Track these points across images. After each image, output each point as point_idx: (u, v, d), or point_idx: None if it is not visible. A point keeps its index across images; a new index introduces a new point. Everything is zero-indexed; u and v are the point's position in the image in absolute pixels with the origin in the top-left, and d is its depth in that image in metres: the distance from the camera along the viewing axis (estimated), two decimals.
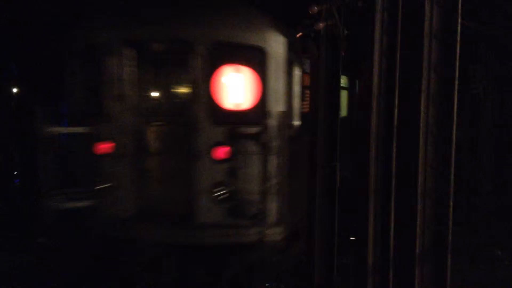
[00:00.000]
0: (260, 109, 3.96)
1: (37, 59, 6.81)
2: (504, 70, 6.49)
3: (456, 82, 3.37)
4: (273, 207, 4.06)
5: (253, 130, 3.85)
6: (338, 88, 4.30)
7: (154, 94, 4.40)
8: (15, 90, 7.67)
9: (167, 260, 3.95)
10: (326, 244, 4.35)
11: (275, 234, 3.98)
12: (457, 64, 3.39)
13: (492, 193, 7.07)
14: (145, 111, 4.21)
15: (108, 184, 4.12)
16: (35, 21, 6.48)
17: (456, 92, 3.36)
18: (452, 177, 3.38)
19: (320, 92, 4.40)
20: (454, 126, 3.33)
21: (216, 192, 3.40)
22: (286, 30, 4.12)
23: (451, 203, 3.35)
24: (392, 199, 3.84)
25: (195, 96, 3.59)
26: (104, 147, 4.14)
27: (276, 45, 3.98)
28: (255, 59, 3.97)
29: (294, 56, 4.11)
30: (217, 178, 3.49)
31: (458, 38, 3.32)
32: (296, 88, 4.40)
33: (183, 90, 4.03)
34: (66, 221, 4.15)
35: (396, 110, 3.81)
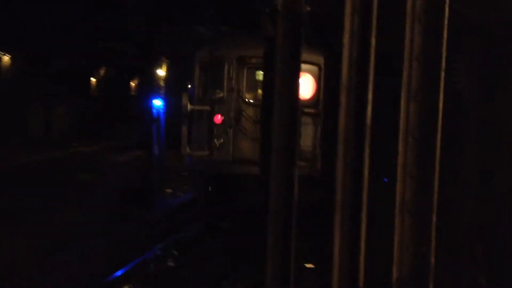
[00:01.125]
0: (313, 98, 8.89)
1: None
2: (493, 62, 6.76)
3: (443, 74, 3.46)
4: (317, 154, 8.69)
5: (309, 110, 8.61)
6: (297, 73, 4.35)
7: (252, 88, 9.38)
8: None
9: (252, 184, 8.63)
10: (280, 274, 4.35)
11: (318, 169, 8.51)
12: (444, 52, 3.49)
13: (476, 208, 7.33)
14: (245, 97, 9.17)
15: (220, 141, 8.98)
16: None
17: (442, 86, 3.45)
18: (436, 188, 3.46)
19: (275, 78, 4.40)
20: (439, 128, 3.41)
21: None
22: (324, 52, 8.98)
23: (434, 219, 3.42)
24: (364, 215, 3.88)
25: None
26: (219, 118, 9.04)
27: (323, 62, 8.90)
28: (313, 70, 8.95)
29: None
30: None
31: (446, 22, 3.41)
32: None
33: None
34: (195, 164, 9.28)
35: (369, 107, 3.86)
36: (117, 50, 20.71)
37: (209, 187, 9.69)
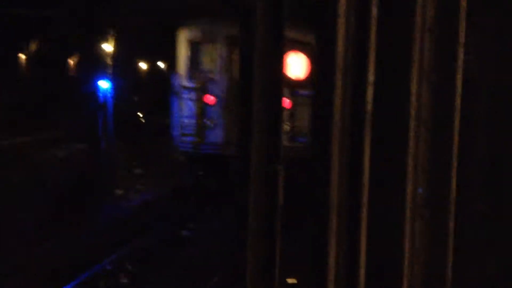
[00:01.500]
0: (309, 79, 8.96)
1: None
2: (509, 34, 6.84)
3: (461, 49, 3.45)
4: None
5: (305, 90, 9.14)
6: (281, 53, 4.33)
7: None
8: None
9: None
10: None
11: None
12: (463, 22, 3.48)
13: (486, 213, 7.46)
14: (235, 76, 9.71)
15: (213, 122, 10.00)
16: None
17: (460, 64, 3.44)
18: (454, 186, 3.47)
19: (255, 60, 4.37)
20: (458, 116, 3.41)
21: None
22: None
23: (452, 223, 3.43)
24: (364, 221, 3.87)
25: None
26: (211, 99, 10.24)
27: None
28: (308, 50, 9.35)
29: None
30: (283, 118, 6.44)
31: None
32: None
33: None
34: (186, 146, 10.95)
35: (370, 91, 3.84)
36: (51, 20, 20.31)
37: (199, 171, 11.43)
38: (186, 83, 10.68)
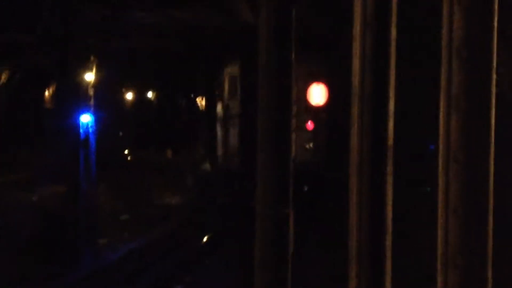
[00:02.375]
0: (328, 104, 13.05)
1: None
2: None
3: (494, 74, 3.47)
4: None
5: (323, 115, 12.94)
6: (289, 74, 4.39)
7: None
8: None
9: None
10: None
11: None
12: (494, 43, 3.51)
13: None
14: None
15: None
16: None
17: (493, 90, 3.46)
18: (491, 230, 3.46)
19: (259, 82, 4.42)
20: (492, 148, 3.41)
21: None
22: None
23: (490, 275, 3.41)
24: (388, 272, 3.87)
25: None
26: None
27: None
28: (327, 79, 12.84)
29: None
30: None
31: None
32: None
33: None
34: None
35: (391, 122, 3.88)
36: (23, 45, 20.38)
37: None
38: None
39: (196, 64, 27.87)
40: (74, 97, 17.85)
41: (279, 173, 4.44)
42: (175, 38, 21.06)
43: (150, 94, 39.23)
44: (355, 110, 3.97)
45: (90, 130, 17.75)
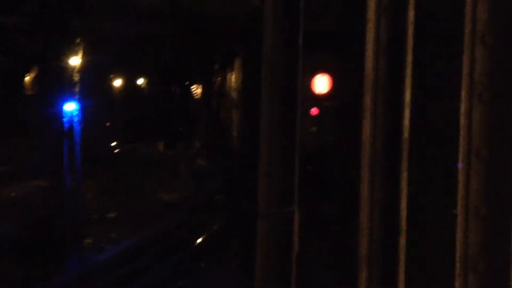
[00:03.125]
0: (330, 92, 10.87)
1: None
2: None
3: None
4: None
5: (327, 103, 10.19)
6: (297, 62, 4.41)
7: None
8: None
9: None
10: None
11: None
12: None
13: None
14: None
15: None
16: None
17: None
18: None
19: (263, 72, 4.44)
20: None
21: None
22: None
23: None
24: (401, 276, 3.91)
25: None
26: None
27: None
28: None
29: None
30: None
31: None
32: None
33: None
34: None
35: (407, 113, 3.91)
36: (4, 26, 20.45)
37: None
38: None
39: (193, 49, 27.85)
40: (58, 83, 17.86)
41: (283, 167, 4.48)
42: (172, 21, 21.08)
43: (140, 81, 39.21)
44: (367, 100, 3.99)
45: (75, 119, 17.76)
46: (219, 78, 30.35)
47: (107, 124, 33.46)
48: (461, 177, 3.43)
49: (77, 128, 17.82)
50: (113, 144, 32.83)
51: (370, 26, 3.97)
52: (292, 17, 4.46)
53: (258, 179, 4.51)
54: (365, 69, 4.03)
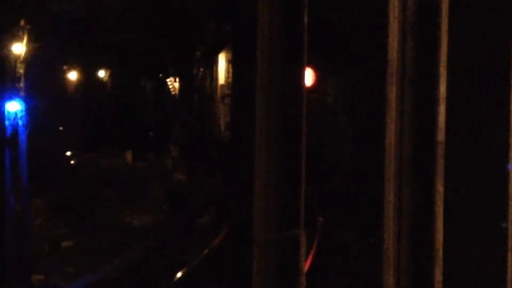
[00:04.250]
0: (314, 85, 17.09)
1: None
2: None
3: None
4: None
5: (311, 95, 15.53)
6: (302, 57, 4.45)
7: None
8: None
9: None
10: None
11: None
12: None
13: None
14: None
15: None
16: None
17: None
18: None
19: (259, 68, 4.49)
20: None
21: None
22: None
23: None
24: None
25: None
26: None
27: None
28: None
29: None
30: None
31: None
32: None
33: None
34: None
35: (441, 109, 3.96)
36: None
37: None
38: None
39: (168, 32, 27.84)
40: None
41: (286, 183, 4.51)
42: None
43: (102, 74, 39.20)
44: (392, 95, 4.04)
45: (20, 123, 17.73)
46: (201, 69, 30.34)
47: (60, 128, 33.46)
48: (510, 185, 3.47)
49: (22, 134, 17.78)
50: (68, 153, 32.83)
51: (394, 5, 4.03)
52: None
53: (254, 201, 4.54)
54: (388, 56, 4.08)
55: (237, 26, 5.85)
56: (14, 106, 17.56)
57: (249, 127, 4.59)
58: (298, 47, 4.34)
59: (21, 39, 18.13)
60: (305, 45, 4.33)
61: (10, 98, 17.53)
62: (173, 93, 34.57)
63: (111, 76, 39.34)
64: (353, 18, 16.38)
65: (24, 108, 17.90)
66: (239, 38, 5.68)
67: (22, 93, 18.08)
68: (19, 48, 18.11)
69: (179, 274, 17.70)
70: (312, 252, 11.68)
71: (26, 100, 18.15)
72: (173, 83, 34.36)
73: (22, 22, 18.21)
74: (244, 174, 4.58)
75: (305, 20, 4.48)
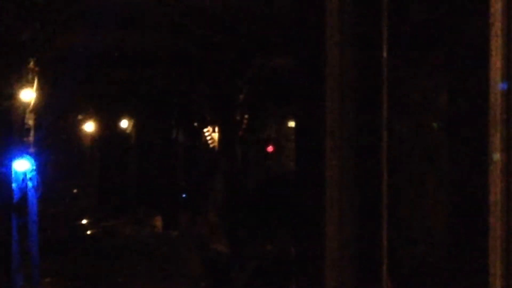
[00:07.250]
0: None
1: None
2: None
3: None
4: None
5: None
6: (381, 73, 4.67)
7: None
8: None
9: None
10: None
11: None
12: None
13: None
14: None
15: None
16: None
17: None
18: None
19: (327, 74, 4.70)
20: None
21: None
22: None
23: None
24: None
25: None
26: None
27: None
28: None
29: None
30: None
31: None
32: None
33: None
34: None
35: None
36: None
37: None
38: None
39: (204, 71, 27.93)
40: (4, 129, 17.91)
41: (366, 240, 4.72)
42: (177, 31, 21.35)
43: (124, 124, 39.38)
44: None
45: (30, 184, 17.78)
46: (246, 116, 30.28)
47: (74, 191, 33.62)
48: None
49: (32, 198, 17.81)
50: (83, 222, 33.00)
51: None
52: (372, 12, 4.70)
53: (322, 259, 4.76)
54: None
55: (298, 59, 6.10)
56: (22, 165, 17.52)
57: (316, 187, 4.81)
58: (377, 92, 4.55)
59: (30, 84, 18.27)
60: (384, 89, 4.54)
61: (18, 156, 17.48)
62: (211, 145, 34.51)
63: (135, 126, 39.47)
64: None
65: (34, 167, 17.91)
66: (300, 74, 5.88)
67: (31, 149, 18.13)
68: (28, 95, 18.16)
69: None
70: None
71: (36, 157, 18.19)
72: (211, 134, 34.30)
73: (31, 64, 18.40)
74: (313, 237, 4.78)
75: (385, 54, 4.70)
